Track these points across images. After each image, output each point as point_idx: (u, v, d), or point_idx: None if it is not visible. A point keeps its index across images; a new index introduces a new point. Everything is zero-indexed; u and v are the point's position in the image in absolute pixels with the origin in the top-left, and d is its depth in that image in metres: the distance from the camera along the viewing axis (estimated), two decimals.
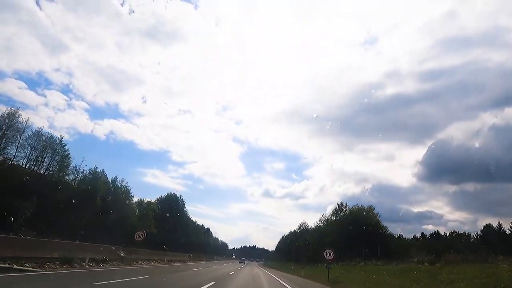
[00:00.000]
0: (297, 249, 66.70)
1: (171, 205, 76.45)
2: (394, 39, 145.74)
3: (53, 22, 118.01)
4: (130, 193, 51.40)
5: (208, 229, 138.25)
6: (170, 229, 72.44)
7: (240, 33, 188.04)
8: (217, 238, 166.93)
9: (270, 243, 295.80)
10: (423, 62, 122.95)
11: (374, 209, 49.33)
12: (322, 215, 57.94)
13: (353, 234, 41.70)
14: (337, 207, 53.72)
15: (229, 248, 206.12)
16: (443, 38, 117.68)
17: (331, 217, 54.43)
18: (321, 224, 57.27)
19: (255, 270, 39.61)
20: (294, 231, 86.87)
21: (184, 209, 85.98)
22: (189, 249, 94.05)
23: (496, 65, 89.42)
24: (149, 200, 68.55)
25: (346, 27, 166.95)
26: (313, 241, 54.79)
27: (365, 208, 49.08)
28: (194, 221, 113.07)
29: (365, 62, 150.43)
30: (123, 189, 49.60)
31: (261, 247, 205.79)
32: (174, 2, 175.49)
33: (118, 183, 48.98)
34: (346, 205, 54.08)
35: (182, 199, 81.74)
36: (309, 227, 70.37)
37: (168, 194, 79.26)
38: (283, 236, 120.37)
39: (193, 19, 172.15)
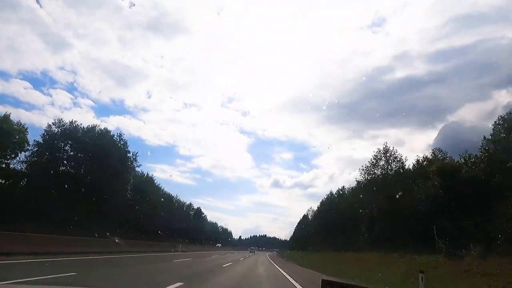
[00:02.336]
0: (355, 224, 30.11)
1: (101, 152, 39.18)
2: (403, 19, 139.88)
3: (55, 19, 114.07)
4: None
5: (199, 209, 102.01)
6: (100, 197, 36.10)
7: (243, 21, 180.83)
8: (215, 223, 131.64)
9: (281, 233, 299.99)
10: (434, 42, 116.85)
11: None
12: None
13: None
14: None
15: (233, 236, 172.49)
16: (455, 16, 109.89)
17: None
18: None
19: None
20: (332, 194, 50.36)
21: (136, 165, 48.63)
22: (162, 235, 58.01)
23: (510, 42, 77.02)
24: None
25: (353, 9, 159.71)
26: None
27: None
28: (169, 195, 76.86)
29: (373, 46, 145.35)
30: None
31: (272, 236, 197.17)
32: None
33: None
34: None
35: (123, 142, 44.03)
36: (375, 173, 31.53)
37: (100, 130, 41.84)
38: (304, 215, 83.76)
39: (195, 9, 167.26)
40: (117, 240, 22.34)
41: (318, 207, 60.72)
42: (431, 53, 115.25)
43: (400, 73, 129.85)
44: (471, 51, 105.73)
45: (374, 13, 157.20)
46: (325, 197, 55.53)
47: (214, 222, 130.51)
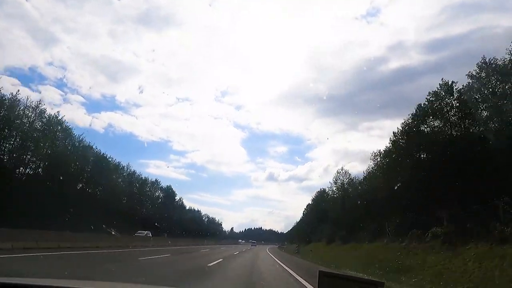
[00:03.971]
0: None
1: None
2: (398, 8, 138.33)
3: (42, 14, 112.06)
4: None
5: (170, 189, 73.37)
6: None
7: (237, 14, 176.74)
8: (198, 211, 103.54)
9: (276, 226, 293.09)
10: (429, 31, 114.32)
11: None
12: None
13: None
14: None
15: (223, 229, 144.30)
16: (450, 4, 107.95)
17: None
18: None
19: None
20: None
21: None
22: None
23: (505, 31, 59.03)
24: None
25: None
26: None
27: None
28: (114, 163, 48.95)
29: (367, 36, 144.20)
30: None
31: (267, 229, 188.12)
32: None
33: None
34: None
35: None
36: None
37: None
38: (322, 190, 56.98)
39: (187, 1, 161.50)
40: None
41: (379, 157, 32.38)
42: (427, 42, 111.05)
43: (395, 64, 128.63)
44: (466, 40, 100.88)
45: (369, 2, 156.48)
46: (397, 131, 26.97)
47: (196, 209, 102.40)
